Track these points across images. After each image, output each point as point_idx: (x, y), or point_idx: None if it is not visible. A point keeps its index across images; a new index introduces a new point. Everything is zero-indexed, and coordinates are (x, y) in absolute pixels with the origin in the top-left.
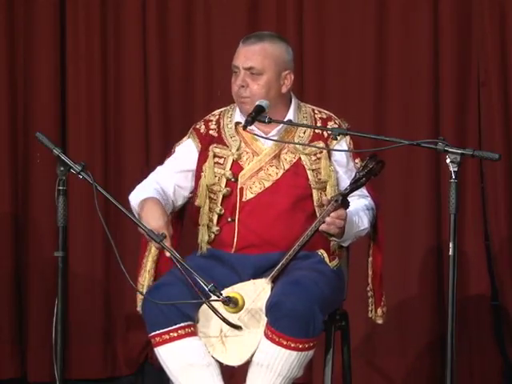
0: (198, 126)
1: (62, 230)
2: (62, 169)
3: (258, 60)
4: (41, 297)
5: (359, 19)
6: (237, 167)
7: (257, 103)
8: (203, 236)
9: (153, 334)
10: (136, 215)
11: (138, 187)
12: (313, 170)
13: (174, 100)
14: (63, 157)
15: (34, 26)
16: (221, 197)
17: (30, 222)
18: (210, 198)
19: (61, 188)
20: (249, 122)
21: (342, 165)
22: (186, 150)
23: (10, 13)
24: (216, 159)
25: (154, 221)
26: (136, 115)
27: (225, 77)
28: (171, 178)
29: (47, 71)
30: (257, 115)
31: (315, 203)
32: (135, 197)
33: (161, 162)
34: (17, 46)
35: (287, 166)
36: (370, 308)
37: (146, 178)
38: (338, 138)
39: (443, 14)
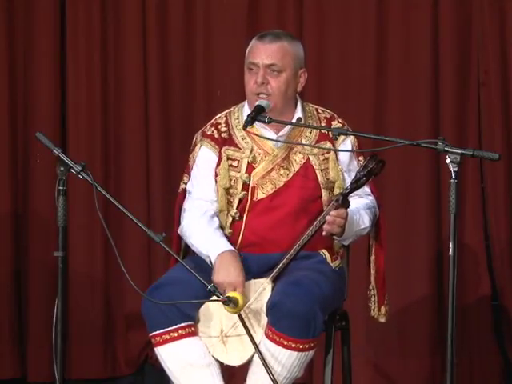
0: (209, 132)
1: (61, 230)
2: (62, 169)
3: (278, 58)
4: (41, 297)
5: (359, 19)
6: (251, 169)
7: (257, 103)
8: None
9: (153, 333)
10: (208, 262)
11: (197, 226)
12: (321, 170)
13: (174, 100)
14: (63, 157)
15: (34, 26)
16: (237, 200)
17: (30, 222)
18: (227, 200)
19: (61, 188)
20: (249, 122)
21: (344, 164)
22: (208, 160)
23: (10, 13)
24: (230, 162)
25: (233, 277)
26: (136, 115)
27: (225, 77)
28: (213, 196)
29: (47, 71)
30: (257, 115)
31: (324, 203)
32: (200, 240)
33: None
34: (17, 46)
35: (297, 168)
36: (372, 307)
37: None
38: (338, 137)
39: (443, 13)
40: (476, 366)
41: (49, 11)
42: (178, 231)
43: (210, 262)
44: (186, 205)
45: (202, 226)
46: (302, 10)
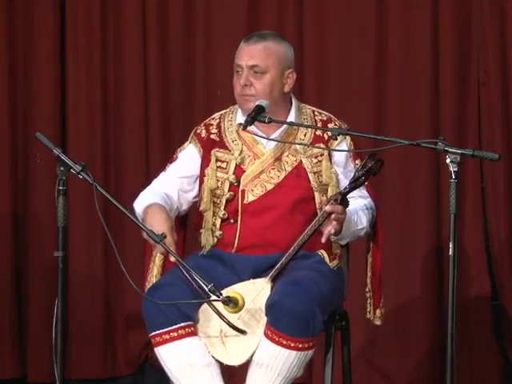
0: (198, 131)
1: (61, 230)
2: (62, 169)
3: (261, 58)
4: (41, 297)
5: (359, 19)
6: (239, 171)
7: (257, 103)
8: (207, 240)
9: (153, 333)
10: (140, 221)
11: (142, 194)
12: (314, 173)
13: (174, 100)
14: (63, 157)
15: (34, 26)
16: (224, 201)
17: (30, 222)
18: (213, 202)
19: (61, 188)
20: (249, 122)
21: (340, 165)
22: (188, 156)
23: (10, 13)
24: (218, 163)
25: (158, 225)
26: (136, 115)
27: (225, 77)
28: (175, 183)
29: (47, 71)
30: (257, 115)
31: (317, 205)
32: (140, 203)
33: (161, 163)
34: (17, 46)
35: (289, 169)
36: (368, 309)
37: (147, 179)
38: (339, 138)
39: (443, 13)
40: (476, 366)
41: (49, 11)
42: None
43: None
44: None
45: (145, 196)
46: (302, 10)
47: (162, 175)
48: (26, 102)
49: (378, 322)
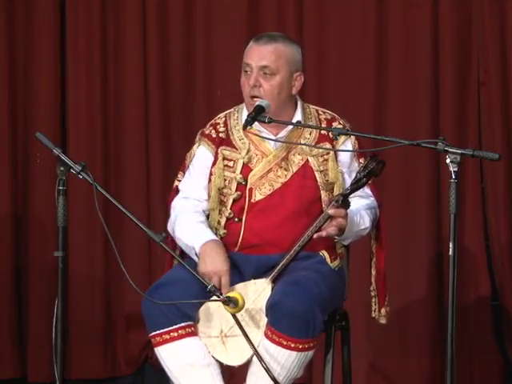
0: (207, 132)
1: (61, 230)
2: (62, 169)
3: (271, 59)
4: (41, 297)
5: (359, 19)
6: (247, 170)
7: (257, 103)
8: None
9: (153, 333)
10: (194, 256)
11: (183, 220)
12: (321, 172)
13: (173, 100)
14: (63, 157)
15: (34, 26)
16: (231, 200)
17: (30, 222)
18: (220, 200)
19: (61, 188)
20: (249, 122)
21: (345, 165)
22: (203, 159)
23: (10, 13)
24: (225, 162)
25: (218, 265)
26: (136, 115)
27: (225, 77)
28: (203, 195)
29: (47, 71)
30: (257, 115)
31: (324, 204)
32: (185, 232)
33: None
34: (17, 46)
35: (296, 169)
36: (373, 308)
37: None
38: (338, 137)
39: (443, 13)
40: (476, 366)
41: (49, 11)
42: (167, 227)
43: (195, 253)
44: (175, 201)
45: (187, 219)
46: (302, 10)
47: (184, 189)
48: (26, 102)
49: (383, 321)
